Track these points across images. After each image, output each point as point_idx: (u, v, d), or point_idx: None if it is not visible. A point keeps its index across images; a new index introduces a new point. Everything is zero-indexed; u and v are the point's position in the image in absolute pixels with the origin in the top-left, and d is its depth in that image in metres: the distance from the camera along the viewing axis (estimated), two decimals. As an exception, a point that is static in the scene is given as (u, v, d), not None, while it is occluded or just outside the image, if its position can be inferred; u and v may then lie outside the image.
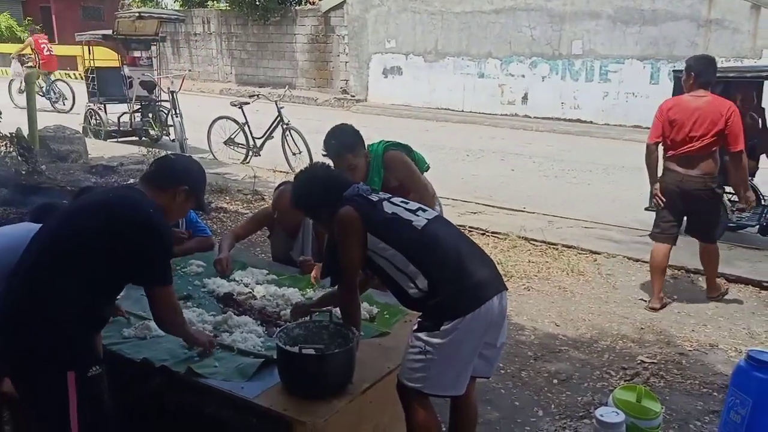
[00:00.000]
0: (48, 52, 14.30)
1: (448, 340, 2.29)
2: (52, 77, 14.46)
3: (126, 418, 2.39)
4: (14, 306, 2.11)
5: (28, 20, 25.42)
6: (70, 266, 2.11)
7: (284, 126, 8.80)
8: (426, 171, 3.81)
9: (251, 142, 9.16)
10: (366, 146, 3.57)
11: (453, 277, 2.34)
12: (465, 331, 2.30)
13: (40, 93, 13.40)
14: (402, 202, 2.60)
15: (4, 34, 24.21)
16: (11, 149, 7.19)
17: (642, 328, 4.20)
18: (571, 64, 13.46)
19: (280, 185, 3.82)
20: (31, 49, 14.39)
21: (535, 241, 5.75)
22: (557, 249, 5.59)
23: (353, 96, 16.54)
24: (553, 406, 3.31)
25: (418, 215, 2.49)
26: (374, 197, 2.57)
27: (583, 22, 13.13)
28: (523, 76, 14.07)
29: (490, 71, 14.51)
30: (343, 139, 3.47)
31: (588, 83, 13.29)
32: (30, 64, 14.18)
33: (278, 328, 2.67)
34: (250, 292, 3.22)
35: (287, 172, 8.07)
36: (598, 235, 6.00)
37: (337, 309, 2.77)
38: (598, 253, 5.52)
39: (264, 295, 3.17)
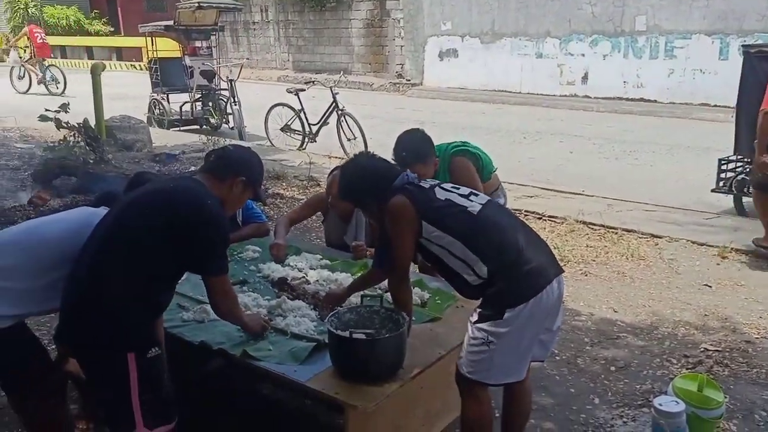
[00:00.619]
0: (41, 40, 15.51)
1: (511, 328, 2.27)
2: (46, 63, 15.71)
3: (184, 399, 2.48)
4: (77, 291, 2.22)
5: (95, 13, 26.39)
6: (131, 254, 2.19)
7: (339, 112, 8.86)
8: (494, 172, 3.84)
9: (307, 129, 9.26)
10: (435, 149, 3.50)
11: (513, 263, 2.31)
12: (527, 318, 2.27)
13: (38, 79, 15.28)
14: (453, 187, 2.56)
15: (73, 27, 25.16)
16: (79, 139, 7.49)
17: (706, 315, 4.05)
18: (635, 41, 12.96)
19: (333, 170, 3.86)
20: (27, 38, 15.67)
21: (594, 225, 5.60)
22: (617, 233, 5.43)
23: (409, 80, 16.45)
24: (610, 393, 3.24)
25: (471, 200, 2.46)
26: (425, 184, 2.54)
27: (647, -3, 12.61)
28: (583, 55, 13.65)
29: (548, 51, 14.14)
30: (413, 150, 3.38)
31: (652, 60, 12.77)
32: (25, 54, 15.83)
33: (331, 312, 2.72)
34: (304, 277, 3.27)
35: (342, 158, 8.12)
36: (661, 219, 5.80)
37: (388, 294, 2.80)
38: (660, 237, 5.34)
39: (317, 280, 3.22)
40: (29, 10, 24.43)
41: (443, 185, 2.55)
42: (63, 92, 14.62)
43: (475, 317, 2.36)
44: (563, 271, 2.43)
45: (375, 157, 2.71)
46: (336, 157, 8.22)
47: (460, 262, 2.35)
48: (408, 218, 2.40)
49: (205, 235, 2.24)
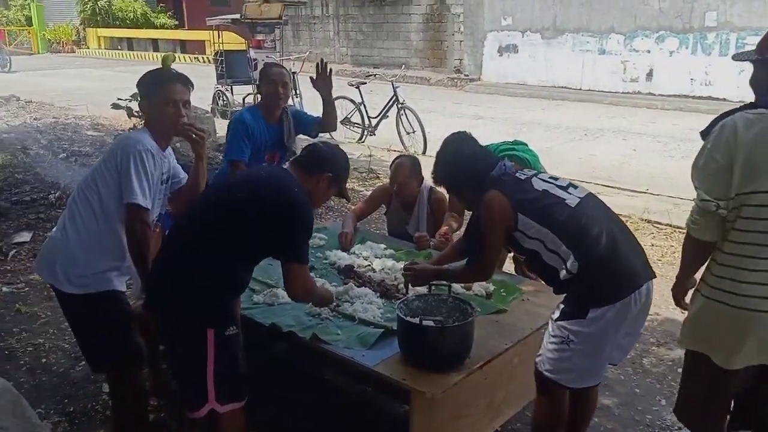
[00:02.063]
0: None
1: (593, 329, 2.21)
2: (4, 46, 20.41)
3: (254, 379, 2.56)
4: (167, 267, 2.33)
5: (161, 7, 27.19)
6: (222, 235, 2.28)
7: (399, 105, 8.90)
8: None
9: (367, 122, 9.33)
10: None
11: (605, 261, 2.23)
12: (611, 320, 2.21)
13: None
14: (551, 178, 2.48)
15: (140, 20, 25.99)
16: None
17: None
18: (704, 38, 12.53)
19: (396, 158, 3.91)
20: None
21: (660, 224, 5.47)
22: (683, 233, 5.28)
23: (467, 75, 16.35)
24: (676, 395, 3.17)
25: (570, 192, 2.38)
26: (522, 175, 2.47)
27: (719, -8, 12.17)
28: (649, 51, 13.28)
29: (611, 47, 13.81)
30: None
31: (722, 58, 12.31)
32: None
33: (398, 300, 2.75)
34: (369, 265, 3.33)
35: (401, 151, 8.17)
36: (731, 220, 5.61)
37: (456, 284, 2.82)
38: (730, 239, 5.17)
39: (382, 269, 3.26)
40: (99, 3, 25.35)
41: (541, 175, 2.49)
42: (9, 70, 19.31)
43: (556, 314, 2.31)
44: (654, 276, 2.34)
45: (471, 141, 2.61)
46: (395, 150, 8.27)
47: (554, 255, 2.28)
48: (503, 216, 2.34)
49: (289, 223, 2.30)
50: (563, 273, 2.27)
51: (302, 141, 3.83)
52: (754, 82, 2.19)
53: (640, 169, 7.71)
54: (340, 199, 3.60)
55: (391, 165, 3.91)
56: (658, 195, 6.35)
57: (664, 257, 4.85)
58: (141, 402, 2.77)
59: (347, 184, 2.76)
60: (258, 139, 3.68)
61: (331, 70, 3.83)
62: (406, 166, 3.78)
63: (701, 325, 2.19)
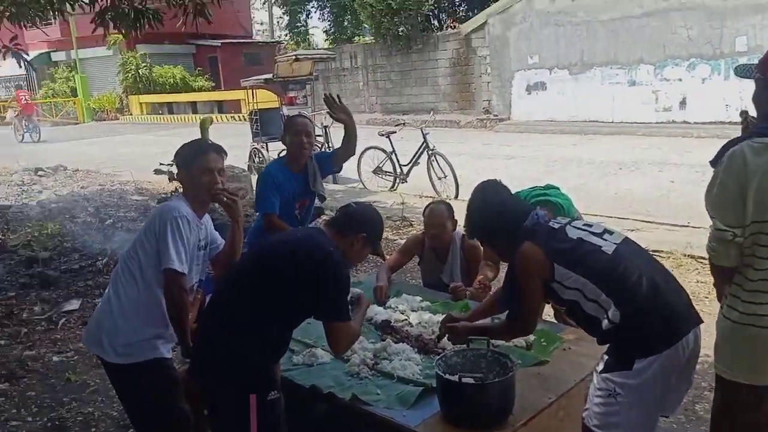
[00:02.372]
0: (24, 101, 21.06)
1: (640, 380, 2.13)
2: (35, 117, 21.28)
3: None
4: (208, 333, 2.39)
5: (199, 70, 28.27)
6: (260, 298, 2.34)
7: (430, 152, 8.98)
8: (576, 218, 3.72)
9: (398, 170, 9.44)
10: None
11: (647, 309, 2.16)
12: (659, 371, 2.13)
13: (21, 132, 20.48)
14: (585, 225, 2.45)
15: (179, 84, 27.01)
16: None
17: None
18: (736, 63, 12.38)
19: (429, 204, 3.94)
20: (17, 101, 21.54)
21: (704, 259, 5.32)
22: (730, 267, 5.14)
23: (496, 115, 16.45)
24: (733, 441, 3.05)
25: (605, 239, 2.32)
26: (555, 224, 2.44)
27: (747, 17, 12.08)
28: (680, 79, 13.20)
29: (641, 78, 13.77)
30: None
31: (756, 81, 12.14)
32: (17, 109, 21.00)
33: (437, 355, 2.74)
34: (406, 319, 3.32)
35: (433, 197, 8.21)
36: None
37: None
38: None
39: (419, 323, 3.25)
40: (140, 71, 26.51)
41: (575, 223, 2.46)
42: (39, 141, 20.08)
43: (601, 366, 2.25)
44: (702, 322, 2.26)
45: (501, 189, 2.59)
46: (427, 197, 8.31)
47: (595, 305, 2.22)
48: (539, 268, 2.31)
49: (326, 281, 2.35)
50: (605, 323, 2.21)
51: (335, 196, 3.89)
52: (756, 100, 2.23)
53: (679, 201, 7.56)
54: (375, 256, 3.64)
55: (424, 211, 3.94)
56: (699, 228, 6.18)
57: (711, 294, 4.70)
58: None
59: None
60: (285, 189, 3.78)
61: (338, 96, 3.95)
62: (440, 210, 3.81)
63: (734, 348, 2.19)
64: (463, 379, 2.37)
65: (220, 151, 2.80)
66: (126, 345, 2.55)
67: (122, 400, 2.76)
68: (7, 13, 6.08)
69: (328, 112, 3.93)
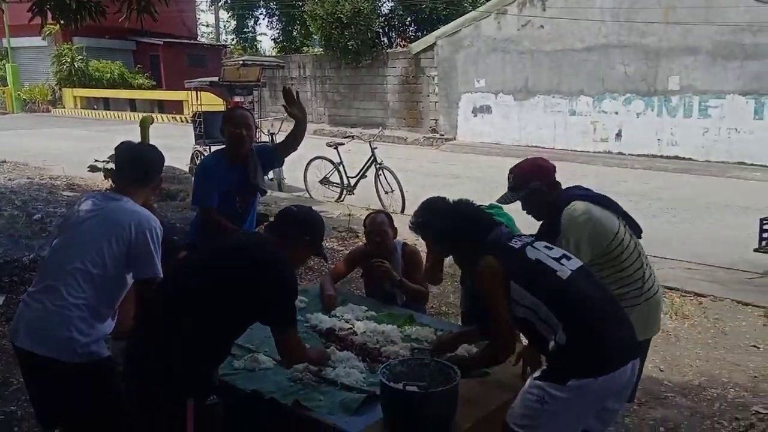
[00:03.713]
0: None
1: (570, 395, 2.19)
2: None
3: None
4: (144, 340, 2.31)
5: (139, 68, 27.52)
6: (201, 306, 2.28)
7: (378, 166, 9.03)
8: None
9: (345, 181, 9.44)
10: None
11: (592, 337, 2.23)
12: (590, 392, 2.20)
13: None
14: (545, 247, 2.47)
15: (117, 80, 26.23)
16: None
17: (756, 377, 3.96)
18: (668, 100, 13.06)
19: (369, 214, 3.95)
20: None
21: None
22: (670, 289, 5.38)
23: (443, 135, 16.71)
24: (659, 456, 3.18)
25: (562, 264, 2.37)
26: (516, 243, 2.46)
27: (681, 58, 12.75)
28: (617, 113, 13.78)
29: (581, 108, 14.30)
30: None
31: (686, 119, 12.83)
32: None
33: (380, 364, 2.74)
34: (351, 328, 3.31)
35: (380, 211, 8.23)
36: (703, 277, 5.74)
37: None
38: (704, 296, 5.27)
39: (364, 331, 3.23)
40: (76, 64, 25.57)
41: (536, 244, 2.47)
42: None
43: (537, 373, 2.31)
44: (641, 354, 2.35)
45: (473, 204, 2.63)
46: (374, 210, 8.32)
47: (545, 325, 2.28)
48: (499, 282, 2.34)
49: (276, 290, 2.32)
50: (551, 343, 2.27)
51: (280, 204, 3.84)
52: (528, 210, 2.91)
53: (613, 227, 7.84)
54: (319, 258, 3.60)
55: (364, 222, 3.95)
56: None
57: (641, 315, 4.91)
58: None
59: (327, 244, 2.78)
60: (223, 181, 3.66)
61: (297, 92, 3.83)
62: (381, 218, 3.83)
63: None
64: (407, 388, 2.37)
65: None
66: (85, 345, 2.48)
67: (65, 403, 2.63)
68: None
69: (283, 105, 3.80)
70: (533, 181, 2.83)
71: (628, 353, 2.27)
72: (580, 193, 2.89)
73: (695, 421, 3.48)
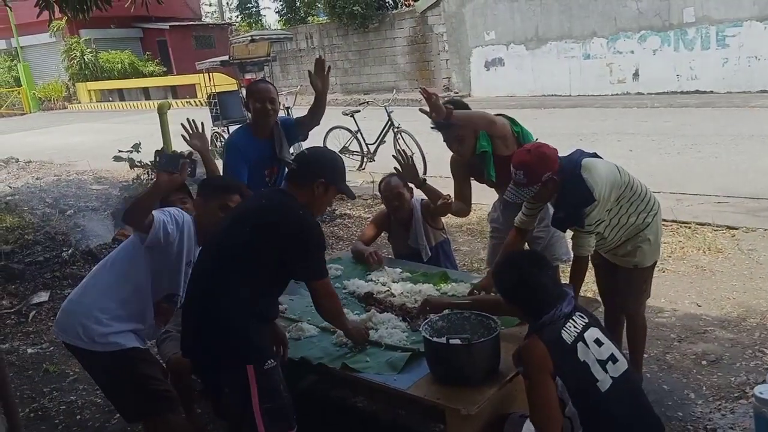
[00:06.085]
0: None
1: None
2: None
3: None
4: (195, 312, 2.41)
5: (148, 55, 27.49)
6: (238, 271, 2.36)
7: (395, 130, 9.01)
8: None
9: (365, 149, 9.44)
10: None
11: None
12: None
13: None
14: (595, 342, 2.29)
15: (128, 70, 26.22)
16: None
17: (794, 304, 3.97)
18: (684, 34, 12.74)
19: (381, 180, 3.99)
20: None
21: (665, 221, 5.47)
22: (690, 227, 5.36)
23: (456, 92, 16.53)
24: (704, 388, 3.22)
25: (606, 370, 2.25)
26: (569, 334, 2.26)
27: (694, -13, 12.40)
28: (632, 52, 13.49)
29: (595, 51, 14.03)
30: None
31: (704, 51, 12.52)
32: None
33: (421, 321, 2.81)
34: (388, 290, 3.38)
35: (391, 174, 8.23)
36: (734, 209, 5.69)
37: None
38: (736, 228, 5.24)
39: (402, 292, 3.31)
40: (85, 57, 25.63)
41: (587, 336, 2.29)
42: None
43: None
44: None
45: (542, 272, 2.38)
46: (386, 174, 8.35)
47: (567, 420, 2.24)
48: (547, 373, 2.22)
49: (303, 244, 2.39)
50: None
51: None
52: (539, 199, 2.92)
53: (638, 168, 7.68)
54: (346, 198, 3.52)
55: (378, 188, 3.99)
56: (659, 192, 6.37)
57: (673, 254, 4.92)
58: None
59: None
60: (251, 156, 3.70)
61: (329, 66, 3.78)
62: (394, 181, 3.85)
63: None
64: (451, 341, 2.44)
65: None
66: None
67: (102, 388, 2.80)
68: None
69: (309, 71, 3.79)
70: (545, 173, 2.76)
71: None
72: (576, 158, 2.91)
73: (737, 352, 3.50)
